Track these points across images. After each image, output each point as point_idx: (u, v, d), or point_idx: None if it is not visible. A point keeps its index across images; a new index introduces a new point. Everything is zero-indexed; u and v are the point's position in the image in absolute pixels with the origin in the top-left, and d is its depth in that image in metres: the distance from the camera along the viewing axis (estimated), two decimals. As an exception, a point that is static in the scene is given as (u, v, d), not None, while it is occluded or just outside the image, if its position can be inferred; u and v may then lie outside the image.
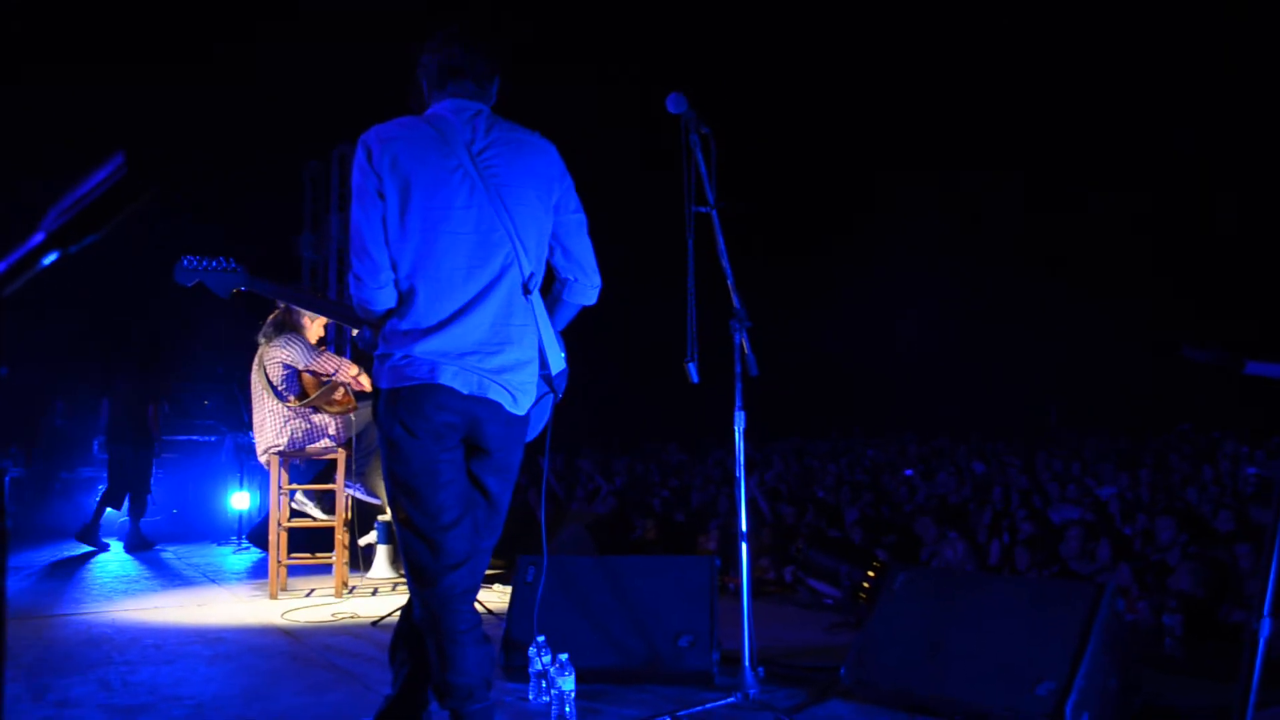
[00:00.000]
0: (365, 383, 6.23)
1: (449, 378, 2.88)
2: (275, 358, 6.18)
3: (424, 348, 2.89)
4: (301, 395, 6.20)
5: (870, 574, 5.53)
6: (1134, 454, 12.63)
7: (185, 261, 3.47)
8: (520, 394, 3.01)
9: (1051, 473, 11.19)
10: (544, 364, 3.08)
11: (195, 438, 10.97)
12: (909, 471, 12.12)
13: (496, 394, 2.94)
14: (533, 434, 3.23)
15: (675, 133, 3.65)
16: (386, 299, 2.94)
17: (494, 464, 3.04)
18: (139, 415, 9.41)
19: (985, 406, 21.00)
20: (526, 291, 2.98)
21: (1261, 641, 2.49)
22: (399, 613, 3.23)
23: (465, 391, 2.90)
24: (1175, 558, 5.85)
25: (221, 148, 13.55)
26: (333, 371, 6.19)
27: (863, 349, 23.01)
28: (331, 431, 6.22)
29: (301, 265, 11.40)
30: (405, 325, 2.92)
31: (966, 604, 3.77)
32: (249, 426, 6.70)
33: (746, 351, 3.73)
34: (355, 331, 3.28)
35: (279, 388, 6.16)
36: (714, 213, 3.63)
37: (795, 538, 7.09)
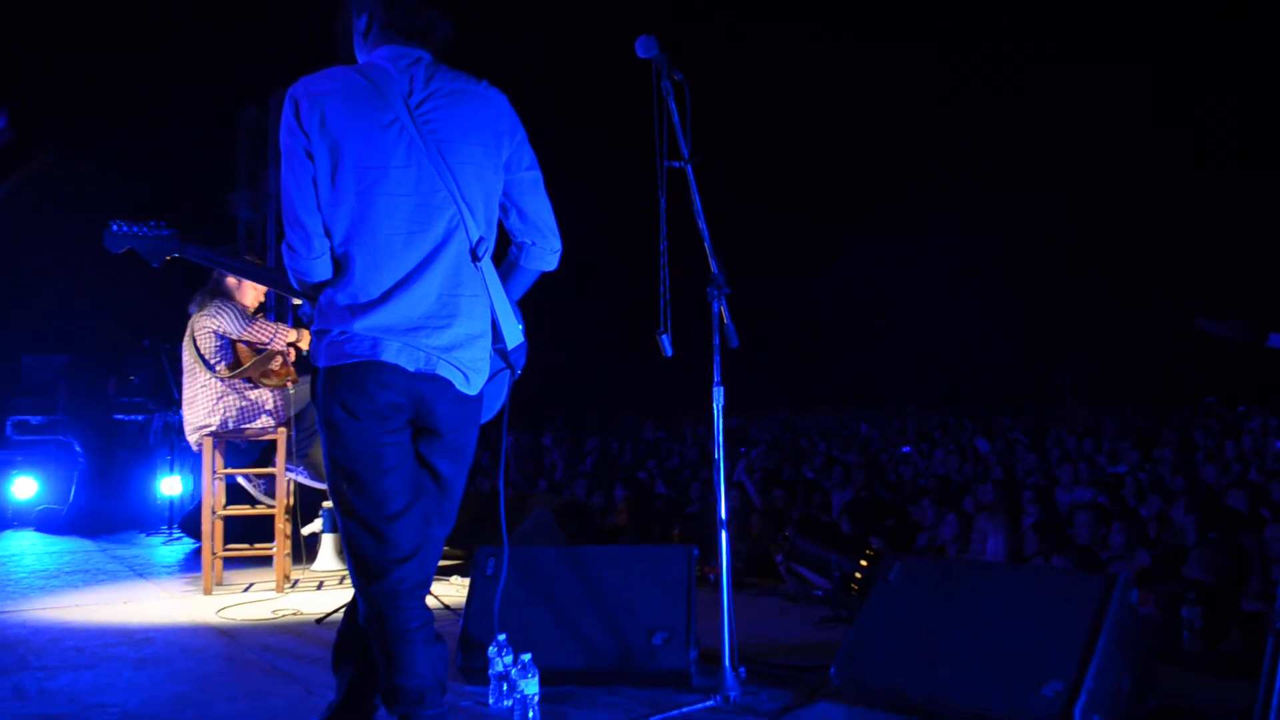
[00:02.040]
0: (306, 348, 6.17)
1: (393, 354, 2.86)
2: (205, 327, 6.13)
3: (365, 323, 2.86)
4: (235, 365, 6.15)
5: (863, 564, 5.56)
6: (1154, 430, 12.74)
7: (115, 227, 3.43)
8: (472, 372, 2.99)
9: (1063, 451, 11.28)
10: (498, 338, 3.07)
11: (120, 416, 10.85)
12: (906, 449, 12.19)
13: (446, 370, 2.93)
14: (489, 414, 3.21)
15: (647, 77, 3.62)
16: (322, 269, 2.92)
17: (446, 446, 3.03)
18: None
19: (992, 378, 21.11)
20: (475, 258, 2.96)
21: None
22: (344, 610, 3.23)
23: (411, 369, 2.88)
24: (1192, 542, 5.91)
25: (147, 93, 13.34)
26: (268, 340, 6.15)
27: (859, 315, 23.07)
28: (269, 408, 6.17)
29: (237, 226, 11.26)
30: (343, 298, 2.89)
31: (966, 597, 3.79)
32: (179, 404, 6.65)
33: (725, 321, 3.72)
34: (297, 302, 3.25)
35: (209, 359, 6.11)
36: (689, 168, 3.60)
37: (785, 523, 7.13)
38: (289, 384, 6.21)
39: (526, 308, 3.24)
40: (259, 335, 6.15)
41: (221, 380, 6.11)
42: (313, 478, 6.25)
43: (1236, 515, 6.53)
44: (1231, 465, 9.39)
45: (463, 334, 2.95)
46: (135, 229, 3.46)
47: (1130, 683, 3.51)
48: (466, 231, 2.93)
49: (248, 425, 6.16)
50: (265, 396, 6.18)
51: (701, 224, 3.66)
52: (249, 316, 6.19)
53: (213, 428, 6.13)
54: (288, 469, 6.21)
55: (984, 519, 6.80)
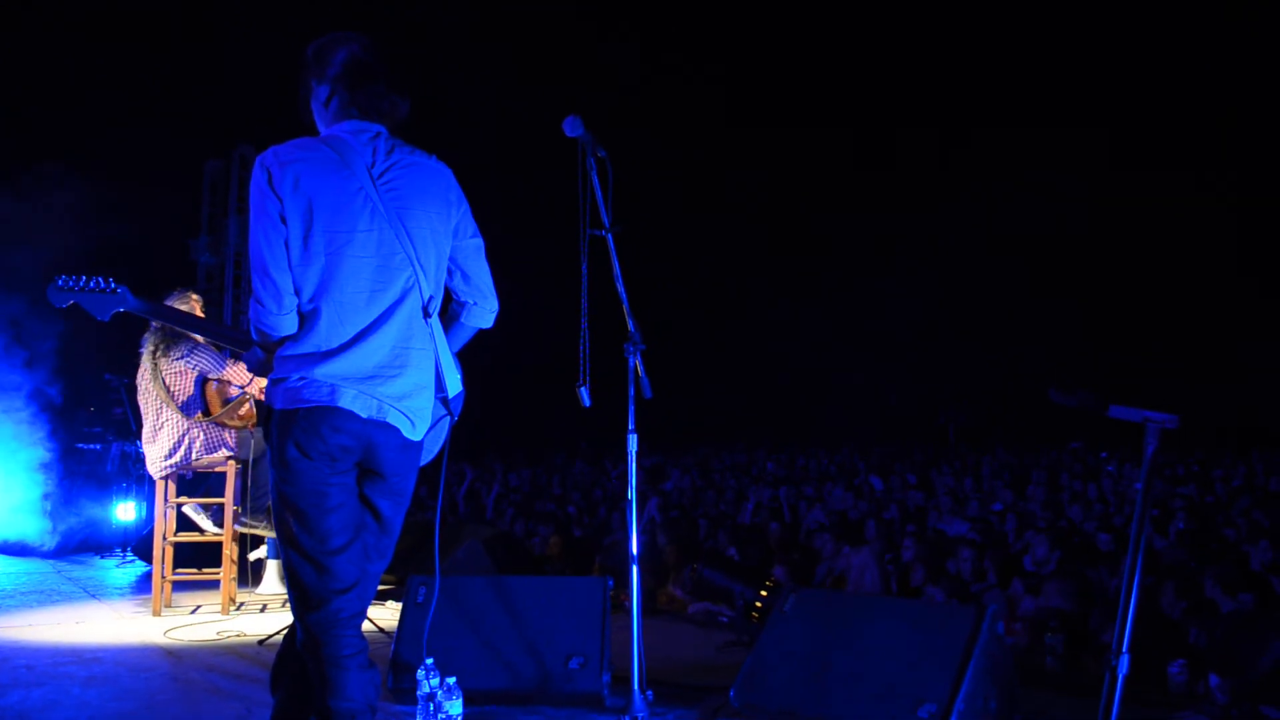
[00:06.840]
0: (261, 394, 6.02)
1: (348, 401, 2.86)
2: (179, 370, 5.95)
3: (324, 370, 2.86)
4: (207, 411, 5.99)
5: (763, 593, 5.60)
6: (1025, 471, 13.01)
7: (60, 281, 3.33)
8: (418, 419, 3.00)
9: (946, 489, 11.47)
10: (440, 387, 3.08)
11: (79, 445, 10.57)
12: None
13: (395, 418, 2.94)
14: (428, 456, 3.21)
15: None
16: (289, 325, 2.91)
17: (388, 488, 3.03)
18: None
19: (887, 422, 21.46)
20: (426, 315, 2.98)
21: (1120, 678, 2.61)
22: (284, 633, 3.18)
23: (364, 415, 2.88)
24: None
25: (114, 144, 13.14)
26: (246, 382, 6.00)
27: (779, 366, 23.40)
28: (230, 445, 6.04)
29: (197, 270, 11.12)
30: (304, 349, 2.88)
31: (853, 626, 3.85)
32: (137, 435, 6.49)
33: (640, 374, 3.76)
34: (243, 354, 3.21)
35: (182, 402, 5.92)
36: (609, 236, 3.65)
37: (696, 554, 7.14)
38: (250, 427, 6.07)
39: (470, 352, 3.25)
40: (240, 375, 5.98)
41: (192, 420, 5.94)
42: (267, 529, 6.05)
43: (1094, 550, 6.69)
44: (1094, 505, 9.61)
45: (412, 384, 2.96)
46: (80, 283, 3.38)
47: (996, 705, 3.59)
48: (420, 290, 2.96)
49: (210, 455, 6.01)
50: (226, 435, 6.03)
51: (620, 286, 3.71)
52: (224, 355, 6.03)
53: (176, 462, 5.97)
54: (238, 524, 6.03)
55: (854, 553, 6.90)
